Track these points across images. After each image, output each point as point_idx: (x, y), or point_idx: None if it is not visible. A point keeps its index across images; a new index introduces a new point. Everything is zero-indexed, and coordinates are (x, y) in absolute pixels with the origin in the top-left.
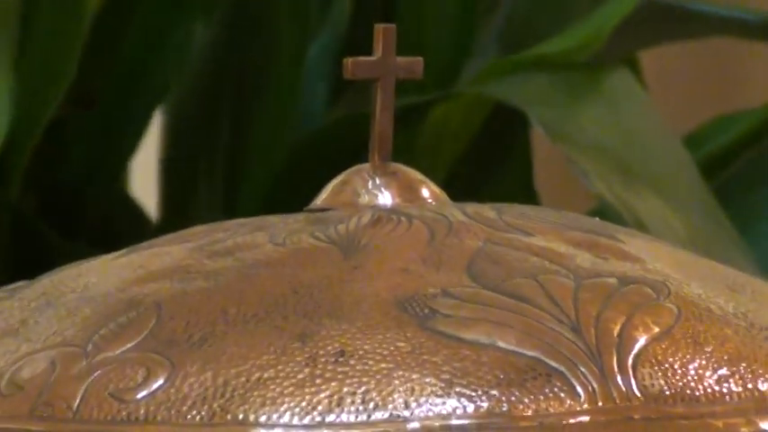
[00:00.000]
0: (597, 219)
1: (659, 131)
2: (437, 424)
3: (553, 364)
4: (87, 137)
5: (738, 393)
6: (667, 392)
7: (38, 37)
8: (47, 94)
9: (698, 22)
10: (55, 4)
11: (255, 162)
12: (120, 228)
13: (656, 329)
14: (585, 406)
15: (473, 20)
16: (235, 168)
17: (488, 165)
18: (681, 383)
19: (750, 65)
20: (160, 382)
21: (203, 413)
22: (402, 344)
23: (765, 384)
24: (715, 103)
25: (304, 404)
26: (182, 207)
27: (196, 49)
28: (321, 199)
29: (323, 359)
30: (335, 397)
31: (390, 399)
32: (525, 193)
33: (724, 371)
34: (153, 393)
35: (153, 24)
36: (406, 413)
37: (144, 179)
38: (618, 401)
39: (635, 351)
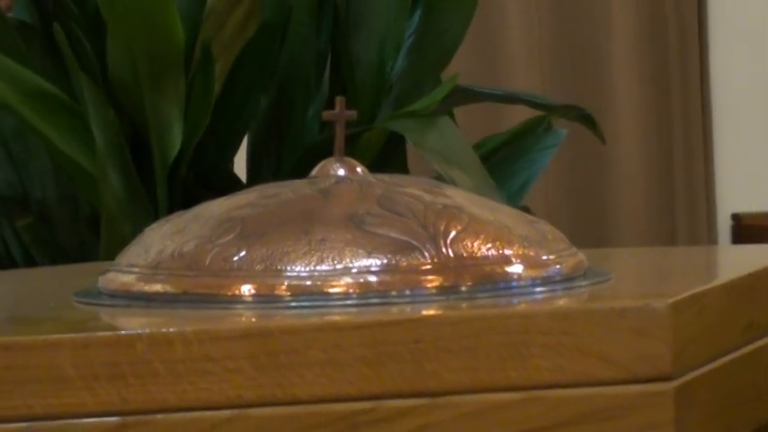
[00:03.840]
0: (434, 180)
1: (462, 142)
2: (365, 270)
3: (415, 243)
4: (215, 145)
5: (495, 255)
6: (465, 255)
7: (195, 101)
8: (197, 127)
9: (480, 96)
10: (202, 90)
11: (287, 158)
12: (229, 186)
13: (460, 227)
14: (428, 260)
15: (381, 94)
16: (280, 160)
17: (386, 158)
18: (471, 251)
19: (503, 115)
20: (243, 253)
21: (261, 267)
22: (349, 236)
23: (507, 251)
24: (486, 128)
25: (305, 263)
26: (256, 178)
27: (261, 106)
28: (314, 172)
29: (314, 242)
30: (320, 259)
31: (345, 259)
32: (403, 172)
33: (489, 245)
34: (240, 258)
35: (242, 96)
36: (351, 265)
37: (240, 165)
38: (443, 259)
39: (450, 237)
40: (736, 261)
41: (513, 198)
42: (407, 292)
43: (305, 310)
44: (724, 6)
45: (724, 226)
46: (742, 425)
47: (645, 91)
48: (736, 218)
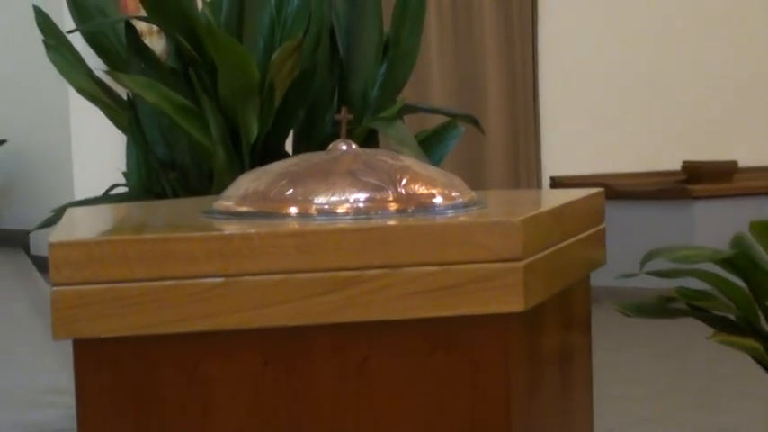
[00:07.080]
0: (394, 152)
1: (408, 134)
2: (357, 200)
3: (384, 185)
4: (275, 135)
5: (427, 192)
6: (411, 192)
7: (264, 111)
8: (265, 126)
9: (417, 109)
10: (268, 105)
11: (314, 141)
12: (282, 157)
13: (408, 177)
14: (391, 195)
15: (365, 109)
16: (310, 143)
17: (368, 141)
18: (414, 190)
19: (430, 119)
20: (291, 190)
21: (301, 198)
22: (348, 181)
23: (433, 190)
24: (420, 126)
25: (323, 196)
26: (297, 152)
27: (300, 115)
28: (329, 148)
29: (329, 185)
30: (332, 194)
31: (347, 195)
32: (376, 148)
33: (424, 187)
34: (290, 193)
35: (290, 109)
36: (349, 198)
37: (289, 146)
38: (399, 194)
39: (403, 183)
40: (555, 199)
41: (435, 164)
42: (379, 212)
43: (325, 222)
44: (552, 21)
45: (546, 184)
46: (558, 285)
47: (503, 102)
48: (553, 179)
